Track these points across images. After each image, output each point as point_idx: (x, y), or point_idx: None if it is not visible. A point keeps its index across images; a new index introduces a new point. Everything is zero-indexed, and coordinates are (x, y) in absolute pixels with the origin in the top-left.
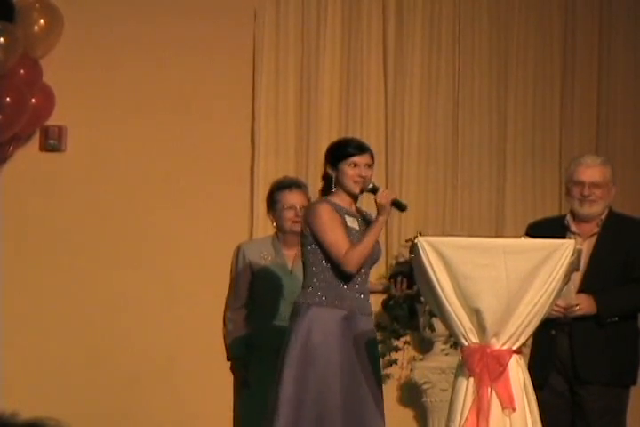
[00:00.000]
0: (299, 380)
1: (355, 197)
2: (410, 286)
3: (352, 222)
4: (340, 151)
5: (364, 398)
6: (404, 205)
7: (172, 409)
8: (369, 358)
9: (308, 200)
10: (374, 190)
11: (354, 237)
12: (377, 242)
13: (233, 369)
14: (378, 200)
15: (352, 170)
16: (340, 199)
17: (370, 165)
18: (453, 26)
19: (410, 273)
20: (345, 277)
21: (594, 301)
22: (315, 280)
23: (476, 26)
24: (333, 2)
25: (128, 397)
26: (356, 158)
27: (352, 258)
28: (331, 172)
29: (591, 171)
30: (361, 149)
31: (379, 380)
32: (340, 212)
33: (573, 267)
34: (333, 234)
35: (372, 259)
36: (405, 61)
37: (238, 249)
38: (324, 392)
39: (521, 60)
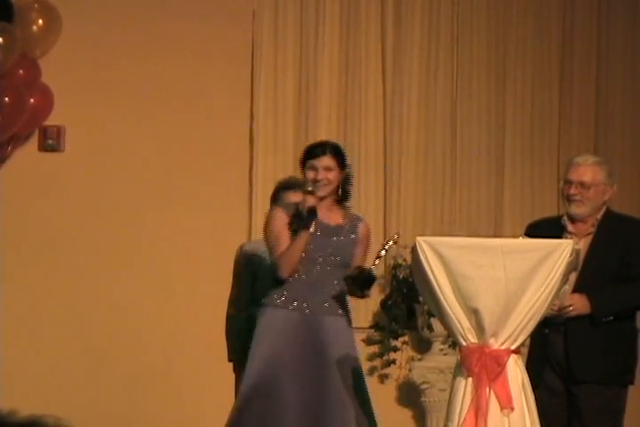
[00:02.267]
0: (254, 382)
1: (319, 200)
2: (362, 294)
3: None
4: (303, 156)
5: (324, 400)
6: (316, 213)
7: (172, 410)
8: (338, 358)
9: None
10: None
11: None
12: (345, 243)
13: (235, 370)
14: (299, 206)
15: (310, 173)
16: None
17: (330, 168)
18: (452, 25)
19: (356, 278)
20: (279, 280)
21: (588, 300)
22: (272, 281)
23: (475, 25)
24: (332, 2)
25: (127, 397)
26: (312, 162)
27: (281, 263)
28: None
29: (580, 170)
30: (318, 151)
31: (345, 378)
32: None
33: (572, 267)
34: (273, 237)
35: (338, 259)
36: (404, 61)
37: (240, 249)
38: (281, 394)
39: (519, 60)
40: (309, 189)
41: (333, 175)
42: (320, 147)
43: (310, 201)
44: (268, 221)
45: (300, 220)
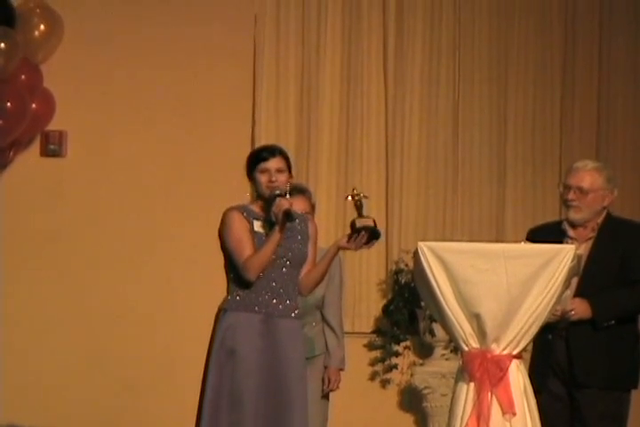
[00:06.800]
0: (216, 385)
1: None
2: (368, 242)
3: (261, 227)
4: (250, 160)
5: (285, 402)
6: (292, 217)
7: (173, 412)
8: (292, 361)
9: (312, 206)
10: (275, 197)
11: (260, 242)
12: (302, 244)
13: None
14: (272, 209)
15: (263, 176)
16: (258, 206)
17: (281, 170)
18: (454, 30)
19: (374, 227)
20: (246, 283)
21: (589, 305)
22: (231, 286)
23: (477, 30)
24: (334, 7)
25: (128, 400)
26: (264, 164)
27: (250, 265)
28: (251, 183)
29: (579, 175)
30: (269, 153)
31: (303, 382)
32: (250, 217)
33: (574, 272)
34: (235, 240)
35: (295, 261)
36: (406, 66)
37: None
38: (239, 397)
39: (521, 65)
40: (278, 192)
41: (285, 177)
42: (269, 149)
43: (285, 204)
44: (225, 223)
45: (272, 223)
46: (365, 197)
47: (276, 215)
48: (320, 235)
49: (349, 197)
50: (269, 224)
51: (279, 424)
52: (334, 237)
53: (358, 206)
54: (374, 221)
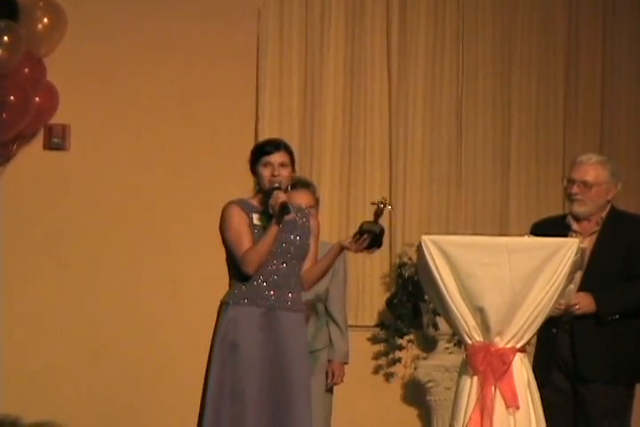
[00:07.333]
0: (218, 379)
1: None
2: (369, 247)
3: (259, 220)
4: (253, 154)
5: (289, 395)
6: (288, 210)
7: (175, 409)
8: (295, 353)
9: (316, 200)
10: (273, 191)
11: (258, 234)
12: (303, 238)
13: None
14: (270, 202)
15: (266, 170)
16: (257, 199)
17: (285, 164)
18: (457, 26)
19: (378, 234)
20: (245, 276)
21: (593, 299)
22: (233, 279)
23: (480, 26)
24: (337, 3)
25: (131, 396)
26: (267, 158)
27: (250, 259)
28: (254, 177)
29: (583, 169)
30: (273, 147)
31: (306, 375)
32: (248, 210)
33: (577, 266)
34: (234, 234)
35: (296, 255)
36: (409, 62)
37: None
38: (242, 390)
39: (524, 61)
40: (277, 185)
41: (288, 172)
42: (273, 143)
43: (281, 197)
44: (224, 217)
45: (270, 216)
46: (390, 207)
47: (273, 208)
48: (322, 230)
49: (375, 204)
50: (267, 217)
51: (283, 417)
52: (336, 232)
53: (377, 213)
54: (382, 230)
